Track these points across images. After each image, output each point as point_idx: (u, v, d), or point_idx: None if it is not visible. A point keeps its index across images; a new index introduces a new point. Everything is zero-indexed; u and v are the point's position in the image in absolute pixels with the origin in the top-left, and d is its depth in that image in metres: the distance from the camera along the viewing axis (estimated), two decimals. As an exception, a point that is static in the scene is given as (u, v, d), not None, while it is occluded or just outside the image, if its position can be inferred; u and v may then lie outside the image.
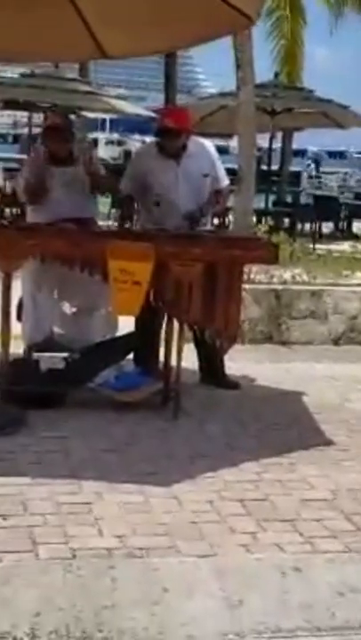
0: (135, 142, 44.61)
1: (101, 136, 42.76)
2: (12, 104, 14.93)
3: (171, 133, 5.30)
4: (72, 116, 5.43)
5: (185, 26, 5.26)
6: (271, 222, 12.22)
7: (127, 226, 5.47)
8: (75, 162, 5.36)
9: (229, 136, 23.14)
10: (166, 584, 2.96)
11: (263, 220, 13.02)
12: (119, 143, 45.97)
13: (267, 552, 3.21)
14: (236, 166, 9.37)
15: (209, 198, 5.40)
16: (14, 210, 12.14)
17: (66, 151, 5.32)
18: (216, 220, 8.78)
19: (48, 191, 5.24)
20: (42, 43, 5.45)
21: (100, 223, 5.86)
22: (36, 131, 19.95)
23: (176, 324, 4.94)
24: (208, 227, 5.72)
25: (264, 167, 16.56)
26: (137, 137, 45.24)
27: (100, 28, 5.36)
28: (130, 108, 15.31)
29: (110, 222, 9.92)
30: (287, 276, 7.22)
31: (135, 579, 2.99)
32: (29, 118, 17.67)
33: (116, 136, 47.62)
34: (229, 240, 5.13)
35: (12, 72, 14.65)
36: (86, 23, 5.35)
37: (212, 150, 5.62)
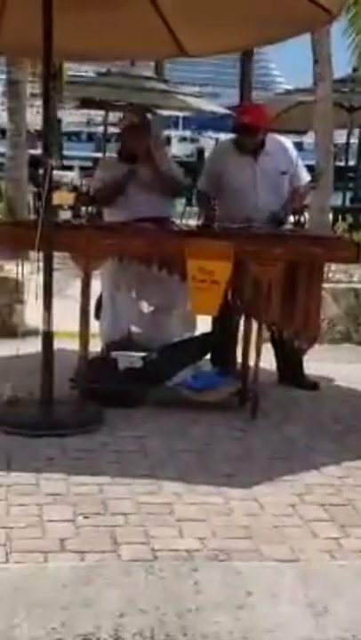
0: (208, 140, 44.67)
1: (174, 133, 42.89)
2: (87, 102, 15.05)
3: (248, 130, 5.27)
4: (148, 115, 5.40)
5: (266, 23, 5.19)
6: (350, 220, 12.05)
7: (208, 224, 5.44)
8: (152, 160, 5.35)
9: (303, 132, 22.96)
10: (250, 588, 2.92)
11: (340, 217, 12.85)
12: (192, 140, 46.05)
13: (351, 559, 3.14)
14: (310, 162, 9.26)
15: (289, 197, 5.35)
16: (90, 208, 12.26)
17: (143, 149, 5.31)
18: (292, 218, 8.70)
19: (123, 192, 5.25)
20: (122, 41, 5.45)
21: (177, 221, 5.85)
22: (112, 129, 20.13)
23: (255, 324, 4.90)
24: (287, 225, 5.66)
25: (341, 163, 16.35)
26: (210, 134, 45.25)
27: (179, 27, 5.34)
28: (205, 105, 15.29)
29: (184, 221, 9.89)
30: (367, 275, 7.11)
31: (218, 582, 2.95)
32: (105, 117, 17.77)
33: (188, 133, 47.71)
34: (310, 239, 5.05)
35: (88, 70, 14.75)
36: (166, 21, 5.32)
37: (291, 148, 5.57)
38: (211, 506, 3.53)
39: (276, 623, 2.77)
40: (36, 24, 4.44)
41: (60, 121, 23.98)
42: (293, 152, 5.53)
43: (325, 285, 5.83)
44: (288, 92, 14.25)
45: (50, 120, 4.72)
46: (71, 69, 15.74)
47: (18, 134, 11.44)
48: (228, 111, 16.95)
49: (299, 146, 11.04)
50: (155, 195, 5.28)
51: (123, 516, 3.39)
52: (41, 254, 4.47)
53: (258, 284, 4.66)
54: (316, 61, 10.24)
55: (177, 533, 3.27)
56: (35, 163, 13.20)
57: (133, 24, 5.23)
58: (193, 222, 9.38)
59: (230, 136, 5.68)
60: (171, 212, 5.59)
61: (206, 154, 37.89)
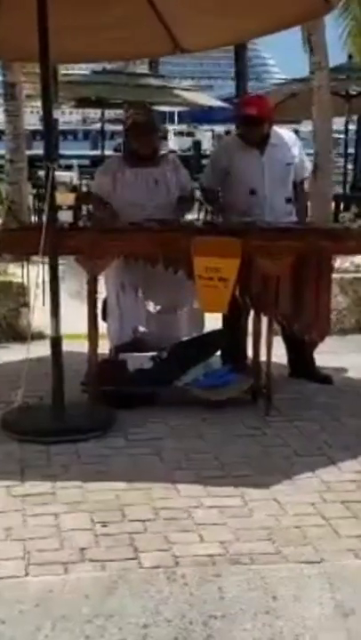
0: (204, 132, 44.57)
1: (170, 128, 42.77)
2: (84, 101, 14.99)
3: (253, 122, 5.21)
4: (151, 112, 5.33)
5: (262, 14, 5.12)
6: (356, 209, 11.95)
7: (216, 220, 5.39)
8: (160, 161, 5.28)
9: (298, 122, 22.86)
10: (275, 592, 2.88)
11: (342, 205, 12.78)
12: (188, 134, 45.99)
13: (376, 557, 3.10)
14: (308, 151, 9.19)
15: (297, 195, 5.31)
16: (91, 207, 12.19)
17: (150, 148, 5.24)
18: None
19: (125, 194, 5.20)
20: (118, 41, 5.39)
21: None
22: (109, 127, 20.08)
23: (264, 319, 4.84)
24: (293, 217, 5.61)
25: (340, 151, 16.29)
26: (205, 127, 45.16)
27: (175, 23, 5.28)
28: (201, 99, 15.21)
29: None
30: (374, 264, 7.05)
31: (242, 587, 2.91)
32: (102, 115, 17.73)
33: (185, 127, 47.63)
34: (318, 232, 4.99)
35: (83, 69, 14.68)
36: (162, 19, 5.26)
37: (295, 139, 5.53)
38: (230, 508, 3.48)
39: (303, 627, 2.72)
40: (31, 27, 4.38)
41: (56, 121, 23.91)
42: (297, 143, 5.49)
43: (333, 276, 5.78)
44: (285, 82, 14.15)
45: (50, 124, 4.65)
46: (66, 68, 15.66)
47: (16, 137, 11.38)
48: (224, 104, 16.91)
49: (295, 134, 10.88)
50: (161, 199, 5.20)
51: (141, 522, 3.34)
52: (46, 259, 4.42)
53: (266, 279, 4.61)
54: (311, 50, 10.18)
55: (198, 538, 3.23)
56: (32, 163, 13.21)
57: (129, 23, 5.17)
58: (192, 217, 9.37)
59: (225, 128, 5.65)
60: (179, 215, 5.49)
61: (203, 146, 37.88)
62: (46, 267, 4.47)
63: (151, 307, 5.57)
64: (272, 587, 2.91)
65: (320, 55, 9.92)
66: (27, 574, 2.96)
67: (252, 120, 5.20)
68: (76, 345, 5.09)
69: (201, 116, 42.79)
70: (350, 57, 15.51)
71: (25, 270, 5.14)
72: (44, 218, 4.39)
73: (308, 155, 5.77)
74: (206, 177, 5.59)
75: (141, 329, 5.46)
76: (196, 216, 10.31)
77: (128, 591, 2.87)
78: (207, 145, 38.08)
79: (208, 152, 31.50)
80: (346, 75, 12.19)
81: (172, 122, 45.64)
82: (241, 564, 3.04)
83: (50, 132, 4.65)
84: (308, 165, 5.56)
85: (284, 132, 5.51)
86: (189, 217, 7.92)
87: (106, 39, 5.30)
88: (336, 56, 14.88)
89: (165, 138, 28.10)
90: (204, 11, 5.03)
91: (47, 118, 4.57)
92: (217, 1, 4.92)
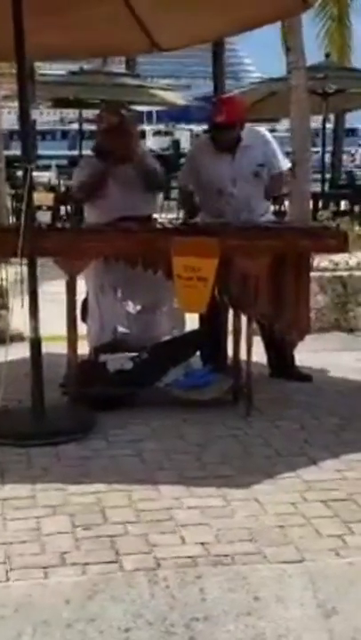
0: (183, 131, 44.56)
1: (148, 128, 42.72)
2: (61, 101, 14.93)
3: (224, 128, 5.21)
4: (124, 112, 5.29)
5: (238, 12, 5.12)
6: (334, 207, 11.97)
7: (192, 221, 5.38)
8: (133, 159, 5.26)
9: (276, 120, 22.89)
10: (257, 593, 2.87)
11: (320, 203, 12.80)
12: (166, 133, 45.99)
13: (357, 556, 3.09)
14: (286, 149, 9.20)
15: (267, 187, 5.31)
16: (70, 208, 12.16)
17: (125, 149, 5.22)
18: (273, 207, 8.65)
19: (101, 190, 5.17)
20: (94, 39, 5.37)
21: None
22: (86, 126, 20.00)
23: (244, 319, 4.84)
24: (269, 215, 5.61)
25: (317, 149, 16.33)
26: (183, 126, 45.14)
27: (152, 22, 5.27)
28: (179, 99, 15.21)
29: (163, 215, 9.83)
30: (353, 262, 7.05)
31: (224, 588, 2.90)
32: (80, 115, 17.66)
33: (162, 127, 47.60)
34: (297, 230, 5.00)
35: (60, 69, 14.63)
36: (137, 16, 5.25)
37: (269, 138, 5.52)
38: (211, 509, 3.47)
39: (286, 628, 2.72)
40: (6, 26, 4.35)
41: (34, 121, 23.82)
42: (272, 142, 5.47)
43: (311, 274, 5.79)
44: (263, 81, 14.17)
45: (28, 126, 4.62)
46: (42, 68, 15.59)
47: (-6, 137, 11.30)
48: (201, 103, 16.91)
49: (272, 133, 10.95)
50: (136, 194, 5.19)
51: (122, 524, 3.32)
52: (24, 260, 4.40)
53: (245, 279, 4.61)
54: (288, 49, 10.17)
55: (179, 540, 3.21)
56: (10, 164, 13.15)
57: (105, 21, 5.15)
58: (172, 216, 9.35)
59: (203, 127, 5.65)
60: (154, 210, 5.50)
61: (181, 145, 37.87)
62: (25, 268, 4.45)
63: (131, 307, 5.56)
64: (254, 587, 2.90)
65: (297, 54, 9.91)
66: (7, 579, 2.93)
67: (223, 126, 5.19)
68: (55, 346, 5.08)
69: (179, 115, 42.77)
70: (327, 56, 15.56)
71: (3, 272, 5.13)
72: (22, 219, 4.37)
73: (287, 154, 5.77)
74: (182, 177, 5.61)
75: (121, 329, 5.44)
76: (175, 215, 10.33)
77: (109, 595, 2.85)
78: (186, 144, 38.09)
79: (186, 151, 31.55)
80: (323, 73, 12.22)
81: (151, 121, 45.57)
82: (223, 564, 3.03)
83: (27, 133, 4.62)
84: (285, 163, 5.55)
85: (257, 131, 5.52)
86: (169, 216, 7.92)
87: (82, 37, 5.27)
88: (313, 55, 14.93)
89: (143, 137, 28.03)
90: (179, 8, 5.02)
91: (24, 119, 4.54)
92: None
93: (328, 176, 16.88)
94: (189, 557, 3.07)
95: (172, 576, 2.95)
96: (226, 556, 3.09)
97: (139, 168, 5.23)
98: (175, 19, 5.20)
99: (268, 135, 5.57)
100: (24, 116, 4.50)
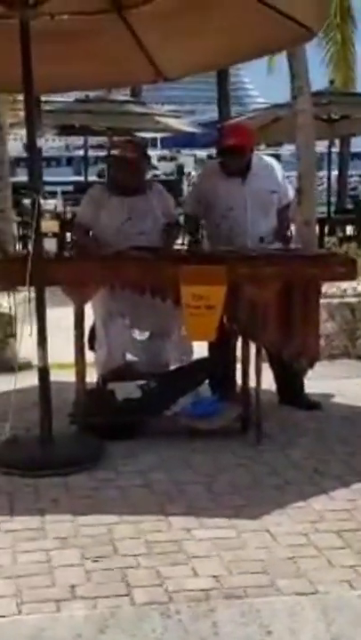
0: (187, 157, 44.87)
1: (153, 153, 43.01)
2: (67, 129, 15.02)
3: (235, 152, 5.23)
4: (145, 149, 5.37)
5: (243, 41, 5.16)
6: (340, 233, 11.96)
7: (196, 248, 5.40)
8: (144, 191, 5.28)
9: (279, 145, 22.96)
10: (270, 626, 2.84)
11: (326, 228, 12.81)
12: (171, 159, 46.30)
13: (371, 587, 3.06)
14: (288, 174, 9.24)
15: (281, 222, 5.33)
16: (75, 236, 12.16)
17: (135, 183, 5.24)
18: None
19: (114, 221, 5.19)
20: (100, 71, 5.40)
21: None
22: (92, 153, 20.12)
23: (252, 347, 4.83)
24: (277, 242, 5.62)
25: (323, 172, 16.37)
26: (187, 152, 45.44)
27: (157, 52, 5.29)
28: (184, 126, 15.28)
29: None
30: (361, 288, 7.04)
31: (237, 621, 2.87)
32: (85, 142, 17.76)
33: (167, 152, 47.92)
34: (304, 258, 4.99)
35: (65, 97, 14.72)
36: (143, 47, 5.28)
37: (277, 166, 5.56)
38: (222, 540, 3.44)
39: (300, 662, 2.69)
40: (14, 58, 4.38)
41: (40, 149, 23.99)
42: (280, 170, 5.51)
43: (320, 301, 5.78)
44: (268, 107, 14.25)
45: (35, 155, 4.65)
46: (48, 96, 15.70)
47: (0, 166, 11.35)
48: (206, 130, 17.01)
49: (277, 158, 11.06)
50: (146, 226, 5.21)
51: (133, 557, 3.30)
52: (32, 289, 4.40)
53: (254, 307, 4.60)
54: (293, 75, 10.22)
55: (191, 572, 3.18)
56: (16, 190, 13.20)
57: (111, 52, 5.19)
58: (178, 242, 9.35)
59: (207, 152, 5.68)
60: (164, 241, 5.49)
61: (186, 170, 38.07)
62: (32, 296, 4.45)
63: (139, 334, 5.56)
64: (267, 620, 2.87)
65: (301, 80, 9.97)
66: (19, 612, 2.91)
67: (233, 150, 5.21)
68: (64, 374, 5.07)
69: (183, 140, 43.08)
70: (332, 82, 15.64)
71: (11, 301, 5.13)
72: (30, 246, 4.38)
73: (288, 177, 5.80)
74: (189, 204, 5.62)
75: (129, 357, 5.44)
76: (180, 241, 10.35)
77: (120, 629, 2.83)
78: (190, 169, 38.31)
79: (191, 175, 31.70)
80: (328, 99, 12.27)
81: (155, 147, 45.90)
82: (235, 597, 3.00)
83: (34, 164, 4.64)
84: (291, 191, 5.59)
85: (266, 159, 5.54)
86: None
87: (88, 68, 5.31)
88: (317, 81, 15.03)
89: (154, 167, 28.22)
90: (184, 38, 5.06)
91: (32, 150, 4.57)
92: (197, 28, 4.94)
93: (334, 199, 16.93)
94: (201, 590, 3.04)
95: (184, 609, 2.92)
96: (238, 588, 3.06)
97: (156, 202, 5.25)
98: (180, 48, 5.23)
99: (276, 163, 5.61)
100: (31, 148, 4.52)
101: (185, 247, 6.25)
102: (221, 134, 6.09)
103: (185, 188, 25.89)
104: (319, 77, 16.37)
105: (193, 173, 32.62)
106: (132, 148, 5.36)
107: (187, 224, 5.78)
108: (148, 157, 5.77)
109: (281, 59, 10.96)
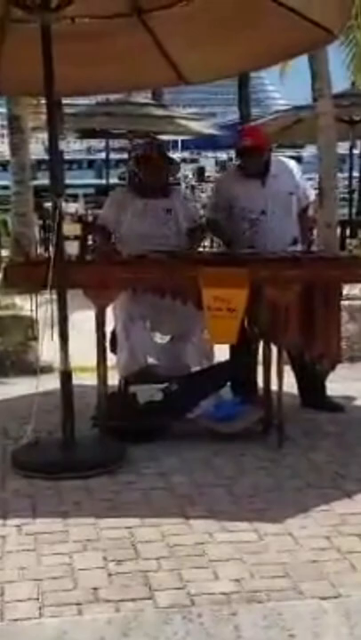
0: (208, 159, 44.82)
1: (174, 155, 43.05)
2: (88, 132, 15.06)
3: (253, 152, 5.23)
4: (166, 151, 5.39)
5: (264, 46, 5.17)
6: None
7: (223, 250, 5.41)
8: (169, 193, 5.28)
9: (301, 147, 22.90)
10: (293, 630, 2.83)
11: (348, 231, 12.75)
12: (192, 161, 46.28)
13: (394, 591, 3.05)
14: (310, 176, 9.24)
15: (302, 221, 5.32)
16: (95, 238, 12.17)
17: (161, 183, 5.25)
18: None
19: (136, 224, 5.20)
20: (121, 74, 5.41)
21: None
22: (113, 156, 20.15)
23: (274, 349, 4.82)
24: (298, 246, 5.60)
25: (344, 175, 16.31)
26: (209, 154, 45.40)
27: (178, 56, 5.30)
28: (204, 128, 15.29)
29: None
30: (382, 290, 6.99)
31: (259, 625, 2.86)
32: (106, 144, 17.79)
33: (187, 154, 47.91)
34: (326, 260, 4.98)
35: (87, 99, 14.76)
36: (164, 50, 5.29)
37: (296, 168, 5.56)
38: (244, 544, 3.44)
39: (323, 666, 2.68)
40: (36, 62, 4.40)
41: (62, 153, 24.08)
42: (298, 172, 5.52)
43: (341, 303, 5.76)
44: (289, 109, 14.22)
45: (56, 158, 4.66)
46: (70, 100, 15.78)
47: (22, 170, 11.44)
48: (227, 132, 16.99)
49: (298, 160, 11.09)
50: (169, 230, 5.22)
51: (155, 560, 3.30)
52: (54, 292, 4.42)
53: (275, 309, 4.60)
54: (314, 78, 10.22)
55: (212, 575, 3.18)
56: (38, 193, 13.25)
57: (132, 56, 5.20)
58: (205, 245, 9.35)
59: (228, 154, 5.70)
60: (185, 244, 5.49)
61: (206, 173, 38.01)
62: (54, 299, 4.47)
63: (160, 337, 5.56)
64: (289, 624, 2.86)
65: (322, 82, 9.97)
66: (41, 615, 2.92)
67: (251, 151, 5.22)
68: (85, 378, 5.08)
69: (204, 142, 43.03)
70: (353, 84, 15.58)
71: (33, 304, 5.14)
72: (51, 250, 4.40)
73: (310, 179, 5.79)
74: (210, 209, 5.62)
75: (151, 360, 5.44)
76: (207, 243, 10.34)
77: (143, 632, 2.83)
78: (211, 171, 38.26)
79: (212, 178, 31.66)
80: (350, 101, 12.23)
81: (176, 149, 45.90)
82: (257, 601, 2.99)
83: (56, 167, 4.65)
84: (311, 192, 5.58)
85: (284, 161, 5.55)
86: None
87: (109, 72, 5.32)
88: (338, 82, 14.99)
89: (178, 167, 28.28)
90: (205, 42, 5.06)
91: (53, 154, 4.58)
92: (217, 33, 4.95)
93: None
94: (223, 594, 3.04)
95: (206, 613, 2.92)
96: (260, 591, 3.05)
97: (180, 205, 5.26)
98: (202, 53, 5.24)
99: (295, 164, 5.61)
100: (53, 151, 4.54)
101: (208, 251, 6.27)
102: (239, 136, 6.10)
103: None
104: (340, 79, 16.33)
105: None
106: (153, 147, 5.38)
107: (213, 230, 5.78)
108: (171, 159, 5.76)
109: (298, 61, 10.94)
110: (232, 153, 29.19)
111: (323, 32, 4.91)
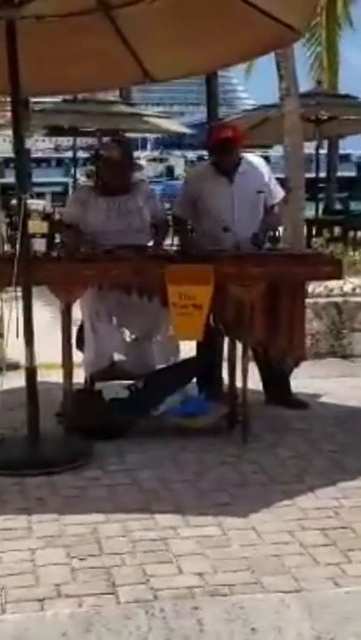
0: (176, 158, 44.88)
1: (143, 154, 42.98)
2: (55, 130, 14.99)
3: (227, 147, 5.22)
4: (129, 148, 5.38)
5: (231, 44, 5.17)
6: (327, 234, 12.01)
7: (185, 249, 5.41)
8: (132, 190, 5.28)
9: (269, 147, 23.00)
10: (255, 623, 2.85)
11: (314, 229, 12.84)
12: (161, 160, 46.30)
13: (355, 585, 3.07)
14: (278, 175, 9.26)
15: (267, 219, 5.33)
16: (65, 237, 12.15)
17: (123, 182, 5.25)
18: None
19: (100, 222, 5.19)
20: (88, 73, 5.39)
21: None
22: (80, 154, 20.08)
23: (239, 345, 4.84)
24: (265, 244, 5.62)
25: (311, 175, 16.38)
26: (177, 152, 45.48)
27: (145, 54, 5.28)
28: (173, 126, 15.28)
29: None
30: (347, 287, 7.06)
31: (222, 619, 2.87)
32: (74, 142, 17.73)
33: (157, 153, 47.93)
34: (291, 257, 5.01)
35: (54, 97, 14.68)
36: (131, 49, 5.28)
37: (264, 166, 5.56)
38: (208, 538, 3.45)
39: (284, 659, 2.69)
40: (1, 61, 4.38)
41: (28, 150, 23.94)
42: (267, 170, 5.51)
43: (306, 300, 5.80)
44: (256, 108, 14.27)
45: (22, 155, 4.64)
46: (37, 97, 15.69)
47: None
48: (195, 131, 17.04)
49: (266, 159, 11.12)
50: (132, 226, 5.21)
51: (119, 555, 3.30)
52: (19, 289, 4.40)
53: (240, 306, 4.62)
54: (281, 77, 10.24)
55: (176, 570, 3.19)
56: (5, 191, 13.19)
57: (99, 55, 5.19)
58: (166, 242, 9.35)
59: (197, 154, 5.71)
60: (148, 240, 5.50)
61: (175, 171, 38.09)
62: (19, 296, 4.45)
63: (126, 334, 5.55)
64: (251, 618, 2.88)
65: (289, 81, 9.99)
66: (3, 612, 2.91)
67: (225, 145, 5.20)
68: (51, 375, 5.07)
69: (172, 142, 43.11)
70: (319, 82, 15.67)
71: (-2, 301, 5.11)
72: (17, 248, 4.38)
73: (278, 179, 5.80)
74: (178, 205, 5.62)
75: (117, 357, 5.43)
76: (170, 241, 10.34)
77: (105, 627, 2.82)
78: (180, 170, 38.32)
79: (181, 177, 31.72)
80: (316, 100, 12.31)
81: (145, 148, 45.85)
82: (220, 595, 3.01)
83: (22, 163, 4.64)
84: (279, 191, 5.60)
85: (253, 159, 5.54)
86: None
87: (75, 71, 5.30)
88: (302, 81, 15.05)
89: (141, 167, 28.28)
90: (172, 41, 5.06)
91: (18, 149, 4.56)
92: (185, 31, 4.95)
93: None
94: (186, 588, 3.05)
95: (169, 607, 2.92)
96: (223, 586, 3.06)
97: (141, 200, 5.26)
98: (168, 50, 5.23)
99: (264, 162, 5.62)
100: (18, 147, 4.52)
101: (174, 248, 6.27)
102: (210, 132, 6.11)
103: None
104: (303, 78, 16.40)
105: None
106: (116, 147, 5.36)
107: (176, 226, 5.78)
108: (132, 158, 5.75)
109: (265, 60, 10.96)
110: (201, 152, 29.22)
111: (288, 30, 4.93)
